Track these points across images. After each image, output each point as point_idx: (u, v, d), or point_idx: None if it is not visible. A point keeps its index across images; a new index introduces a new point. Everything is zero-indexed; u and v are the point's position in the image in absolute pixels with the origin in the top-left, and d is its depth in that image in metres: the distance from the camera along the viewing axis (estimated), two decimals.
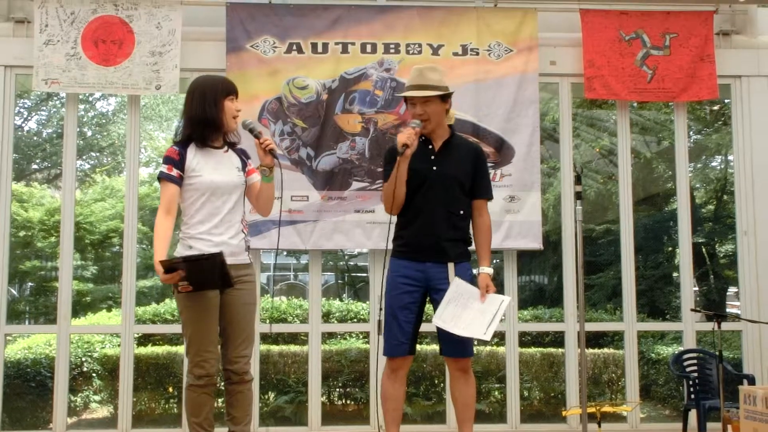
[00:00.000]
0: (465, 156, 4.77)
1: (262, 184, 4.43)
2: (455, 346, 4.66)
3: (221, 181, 4.37)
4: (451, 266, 4.67)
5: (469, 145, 4.95)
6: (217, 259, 4.13)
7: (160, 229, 4.30)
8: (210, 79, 4.53)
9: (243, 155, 4.55)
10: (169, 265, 4.11)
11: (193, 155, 4.37)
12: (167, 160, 4.35)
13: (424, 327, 4.87)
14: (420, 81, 4.67)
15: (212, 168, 4.38)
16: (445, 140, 4.76)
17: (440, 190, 4.65)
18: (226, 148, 4.48)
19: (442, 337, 4.67)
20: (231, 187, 4.39)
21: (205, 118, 4.35)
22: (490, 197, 4.89)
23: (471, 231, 4.85)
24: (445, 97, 4.72)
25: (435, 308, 4.68)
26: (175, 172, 4.33)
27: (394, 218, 4.81)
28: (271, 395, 9.35)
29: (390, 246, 4.82)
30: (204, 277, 4.16)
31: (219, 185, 4.36)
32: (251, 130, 4.41)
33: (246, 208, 4.56)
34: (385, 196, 4.69)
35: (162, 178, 4.34)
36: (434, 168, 4.67)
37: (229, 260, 4.29)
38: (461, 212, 4.73)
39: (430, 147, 4.72)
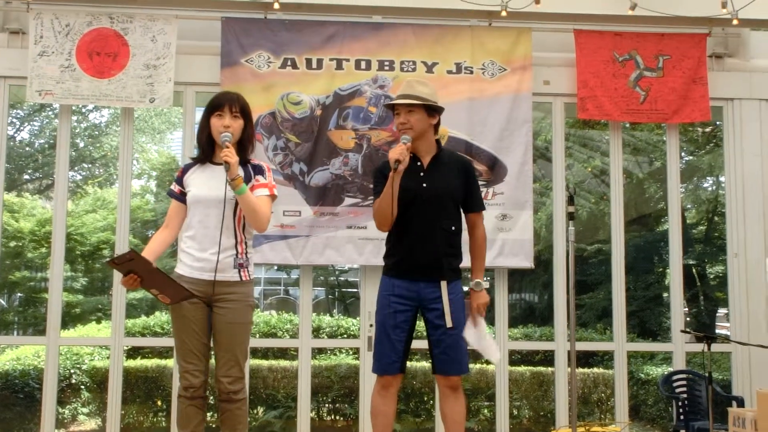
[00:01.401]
0: (454, 170, 4.74)
1: (236, 197, 4.34)
2: (447, 364, 4.64)
3: (203, 196, 4.39)
4: (443, 284, 4.63)
5: (458, 159, 4.91)
6: (136, 259, 4.12)
7: (151, 240, 4.53)
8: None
9: (254, 170, 4.51)
10: (113, 267, 4.27)
11: (191, 172, 4.52)
12: (175, 178, 4.59)
13: (414, 344, 4.84)
14: (408, 91, 4.66)
15: (201, 183, 4.43)
16: (434, 156, 4.73)
17: (431, 206, 4.62)
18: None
19: (434, 355, 4.66)
20: (214, 201, 4.36)
21: (197, 139, 4.56)
22: (483, 209, 4.87)
23: (462, 246, 4.83)
24: (432, 111, 4.67)
25: (427, 327, 4.67)
26: (176, 189, 4.53)
27: (384, 233, 4.80)
28: (260, 410, 9.34)
29: (381, 263, 4.82)
30: (155, 281, 4.21)
31: (200, 199, 4.39)
32: (221, 144, 4.41)
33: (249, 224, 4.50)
34: (377, 213, 4.64)
35: (167, 194, 4.61)
36: (424, 185, 4.64)
37: (207, 276, 4.33)
38: (453, 228, 4.70)
39: (419, 164, 4.68)
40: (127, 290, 6.76)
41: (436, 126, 4.77)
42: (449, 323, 4.59)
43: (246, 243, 4.47)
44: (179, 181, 4.53)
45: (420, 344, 5.01)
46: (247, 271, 4.47)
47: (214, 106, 4.46)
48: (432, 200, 4.63)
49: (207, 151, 4.50)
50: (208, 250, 4.35)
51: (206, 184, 4.41)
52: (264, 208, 4.41)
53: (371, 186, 6.16)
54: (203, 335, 4.40)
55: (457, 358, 4.64)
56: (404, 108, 4.64)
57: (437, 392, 5.17)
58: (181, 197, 4.50)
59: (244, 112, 4.50)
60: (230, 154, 4.25)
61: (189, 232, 4.44)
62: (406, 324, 4.65)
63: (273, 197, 4.52)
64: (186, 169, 4.57)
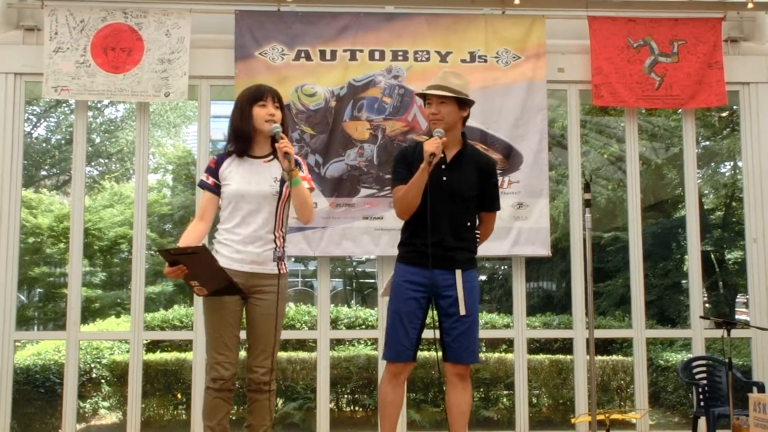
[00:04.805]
0: (476, 168, 4.72)
1: (291, 189, 4.36)
2: (460, 351, 4.64)
3: (247, 191, 4.37)
4: (458, 273, 4.64)
5: (481, 157, 4.86)
6: (201, 253, 4.11)
7: (187, 231, 4.50)
8: (245, 89, 4.56)
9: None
10: (168, 258, 4.18)
11: (227, 164, 4.46)
12: (206, 169, 4.53)
13: (428, 334, 4.83)
14: (440, 82, 4.64)
15: (242, 177, 4.40)
16: (458, 150, 4.70)
17: (447, 201, 4.60)
18: (271, 157, 4.45)
19: (446, 343, 4.65)
20: (259, 197, 4.35)
21: (238, 129, 4.45)
22: (497, 209, 4.90)
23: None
24: (463, 104, 4.66)
25: (440, 315, 4.66)
26: (210, 180, 4.48)
27: (400, 223, 4.81)
28: (280, 402, 9.36)
29: (396, 251, 4.83)
30: (204, 274, 4.19)
31: (244, 194, 4.37)
32: (273, 136, 4.40)
33: (286, 217, 4.52)
34: (402, 202, 4.61)
35: (199, 185, 4.57)
36: (444, 178, 4.61)
37: (248, 268, 4.33)
38: (468, 224, 4.71)
39: (442, 156, 4.65)
40: (145, 284, 6.82)
41: (465, 119, 4.75)
42: (463, 311, 4.59)
43: (284, 237, 4.49)
44: (213, 173, 4.47)
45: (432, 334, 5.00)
46: (284, 263, 4.49)
47: (256, 97, 4.44)
48: (447, 195, 4.61)
49: (248, 142, 4.45)
50: (248, 243, 4.35)
51: (251, 178, 4.39)
52: (311, 200, 4.45)
53: (387, 176, 6.16)
54: (236, 328, 4.40)
55: (469, 346, 4.65)
56: (436, 99, 4.62)
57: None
58: (215, 189, 4.46)
59: (281, 104, 4.51)
60: (289, 145, 4.27)
61: (228, 224, 4.41)
62: (420, 311, 4.66)
63: (312, 190, 4.54)
64: (220, 160, 4.49)
